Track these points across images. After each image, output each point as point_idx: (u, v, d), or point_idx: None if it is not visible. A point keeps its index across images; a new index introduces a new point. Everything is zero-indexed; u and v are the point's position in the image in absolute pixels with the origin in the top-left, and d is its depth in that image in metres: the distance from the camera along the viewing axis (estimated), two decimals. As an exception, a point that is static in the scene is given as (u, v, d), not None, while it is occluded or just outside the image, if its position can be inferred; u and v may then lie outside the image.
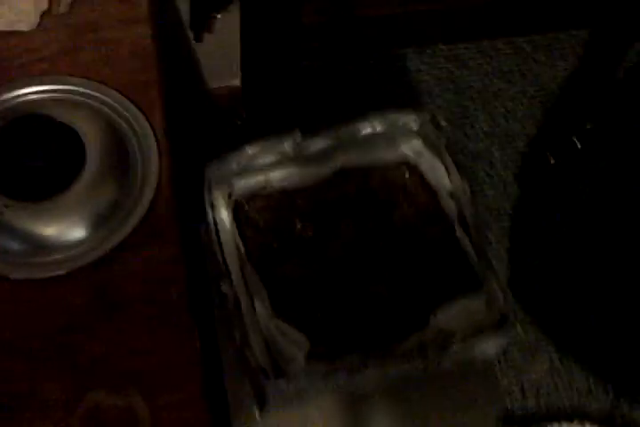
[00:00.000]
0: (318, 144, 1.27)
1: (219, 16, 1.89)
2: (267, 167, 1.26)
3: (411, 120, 1.28)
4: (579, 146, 1.91)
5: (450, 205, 1.25)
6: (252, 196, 1.27)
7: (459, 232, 1.23)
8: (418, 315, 1.17)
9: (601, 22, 2.16)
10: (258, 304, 1.14)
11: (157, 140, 1.12)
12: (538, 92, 2.31)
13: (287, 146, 1.25)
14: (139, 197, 1.08)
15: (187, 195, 1.18)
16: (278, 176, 1.27)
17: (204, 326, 1.16)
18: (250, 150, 1.24)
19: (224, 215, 1.22)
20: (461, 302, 1.16)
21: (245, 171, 1.25)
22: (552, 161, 1.99)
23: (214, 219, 1.21)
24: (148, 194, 1.08)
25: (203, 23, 1.87)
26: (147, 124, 1.12)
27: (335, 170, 1.30)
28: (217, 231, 1.20)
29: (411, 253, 1.24)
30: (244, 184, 1.26)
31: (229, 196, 1.24)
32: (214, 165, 1.23)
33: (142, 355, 0.98)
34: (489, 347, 1.14)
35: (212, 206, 1.22)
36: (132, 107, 1.14)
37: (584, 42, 2.35)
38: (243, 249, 1.19)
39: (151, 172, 1.09)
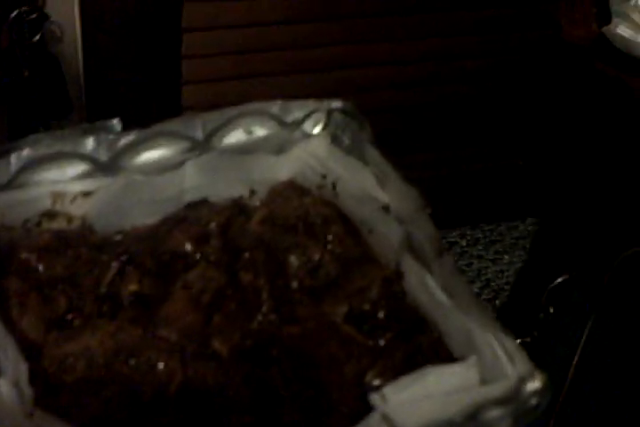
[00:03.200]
0: (154, 149, 0.73)
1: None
2: (58, 180, 0.71)
3: (308, 112, 0.77)
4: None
5: (388, 231, 0.69)
6: (30, 225, 0.70)
7: (408, 266, 0.67)
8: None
9: (546, 213, 1.81)
10: (7, 390, 0.54)
11: None
12: (483, 289, 1.88)
13: (96, 145, 0.71)
14: None
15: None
16: (78, 198, 0.71)
17: None
18: (26, 150, 0.69)
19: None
20: (426, 378, 0.57)
21: (18, 183, 0.69)
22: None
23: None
24: None
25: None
26: None
27: (185, 199, 0.75)
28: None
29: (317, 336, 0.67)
30: (15, 204, 0.69)
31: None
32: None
33: None
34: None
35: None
36: None
37: (527, 233, 1.96)
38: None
39: None
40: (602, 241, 1.45)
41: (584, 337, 1.32)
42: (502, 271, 1.87)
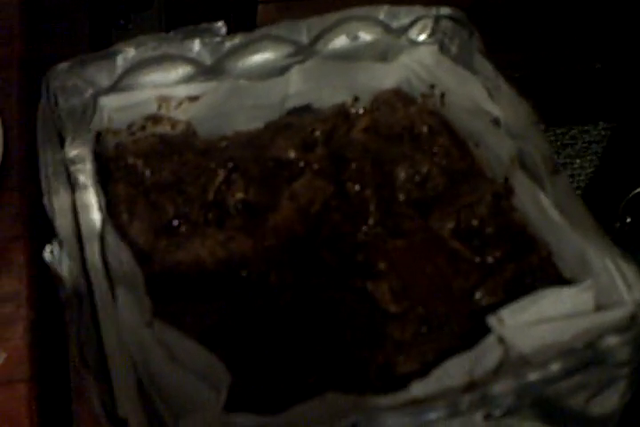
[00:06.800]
0: (258, 53, 0.71)
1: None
2: (163, 83, 0.70)
3: (415, 18, 0.74)
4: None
5: (498, 146, 0.68)
6: (135, 129, 0.69)
7: (519, 182, 0.65)
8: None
9: (622, 118, 1.75)
10: (124, 299, 0.54)
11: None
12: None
13: (201, 48, 0.70)
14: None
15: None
16: (184, 102, 0.70)
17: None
18: (132, 52, 0.68)
19: (78, 159, 0.64)
20: (542, 301, 0.56)
21: (124, 86, 0.68)
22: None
23: (55, 162, 0.63)
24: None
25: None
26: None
27: (288, 104, 0.73)
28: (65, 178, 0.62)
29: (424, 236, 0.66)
30: (121, 108, 0.68)
31: (89, 126, 0.66)
32: (64, 72, 0.67)
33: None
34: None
35: (57, 142, 0.64)
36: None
37: (600, 138, 1.89)
38: (102, 214, 0.60)
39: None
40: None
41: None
42: (573, 176, 1.83)
